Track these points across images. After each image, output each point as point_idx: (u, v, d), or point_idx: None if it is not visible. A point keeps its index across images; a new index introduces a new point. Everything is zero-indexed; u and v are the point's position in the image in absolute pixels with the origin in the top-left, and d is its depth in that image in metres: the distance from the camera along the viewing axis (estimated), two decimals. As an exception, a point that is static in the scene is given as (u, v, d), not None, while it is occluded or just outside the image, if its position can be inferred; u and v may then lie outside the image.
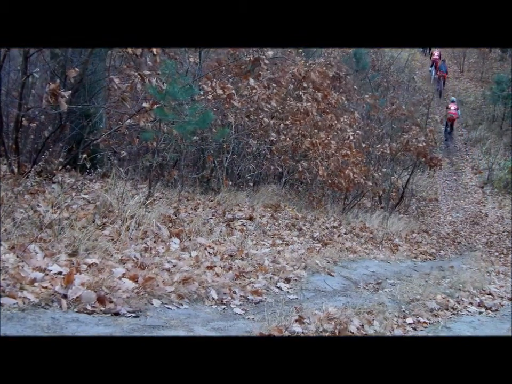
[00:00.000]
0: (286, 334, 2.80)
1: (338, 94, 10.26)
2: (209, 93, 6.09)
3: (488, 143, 20.11)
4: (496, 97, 21.03)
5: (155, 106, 5.22)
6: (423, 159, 11.99)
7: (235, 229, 5.84)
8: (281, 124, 8.90)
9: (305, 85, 9.14)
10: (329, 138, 8.97)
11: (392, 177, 12.06)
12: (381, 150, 11.24)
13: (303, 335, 2.85)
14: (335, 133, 9.28)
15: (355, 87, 12.30)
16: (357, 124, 9.80)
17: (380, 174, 11.11)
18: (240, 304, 3.60)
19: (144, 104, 5.32)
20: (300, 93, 8.93)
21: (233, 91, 6.25)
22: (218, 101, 6.52)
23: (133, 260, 3.73)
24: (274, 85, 8.66)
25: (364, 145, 10.40)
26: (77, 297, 2.81)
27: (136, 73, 5.35)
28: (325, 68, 9.69)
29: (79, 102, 5.95)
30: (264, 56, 8.09)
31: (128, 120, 5.78)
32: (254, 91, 7.44)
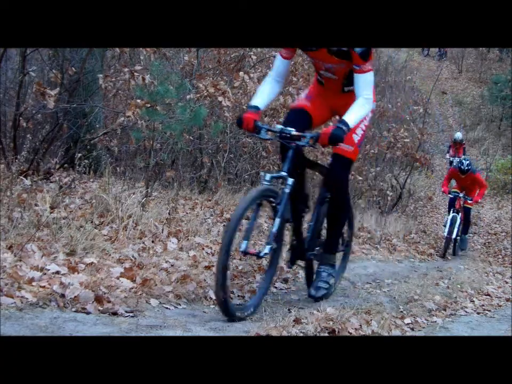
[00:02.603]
0: (284, 334, 2.79)
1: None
2: (203, 91, 6.06)
3: (486, 143, 20.17)
4: (494, 97, 21.11)
5: (147, 105, 5.20)
6: (412, 158, 12.14)
7: (233, 228, 5.82)
8: (275, 122, 8.87)
9: (294, 79, 9.10)
10: None
11: (387, 176, 12.09)
12: (371, 150, 11.26)
13: (301, 335, 2.84)
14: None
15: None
16: None
17: (373, 173, 11.11)
18: (238, 305, 3.60)
19: (138, 100, 5.29)
20: (290, 89, 8.88)
21: (228, 89, 6.22)
22: (212, 99, 6.49)
23: (131, 260, 3.73)
24: None
25: None
26: (75, 296, 2.81)
27: (126, 70, 5.31)
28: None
29: (76, 101, 5.94)
30: (251, 53, 8.07)
31: (122, 119, 5.75)
32: (245, 85, 7.39)
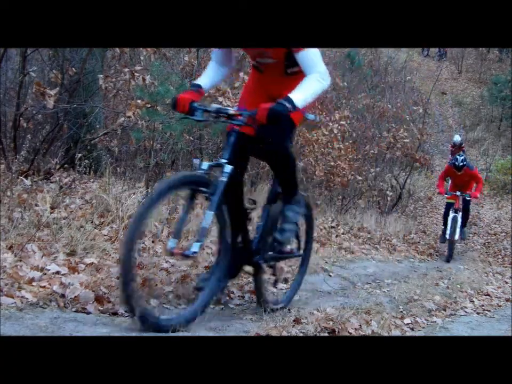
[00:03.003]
0: (284, 334, 2.79)
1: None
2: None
3: (486, 144, 20.18)
4: (494, 98, 21.13)
5: (147, 105, 5.21)
6: (411, 158, 12.20)
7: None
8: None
9: None
10: (319, 134, 8.95)
11: (386, 176, 12.11)
12: (370, 150, 11.26)
13: (301, 335, 2.84)
14: (323, 129, 9.19)
15: (345, 84, 12.06)
16: (347, 121, 9.69)
17: (373, 173, 11.12)
18: (238, 304, 3.60)
19: (138, 101, 5.30)
20: None
21: (228, 89, 6.23)
22: (212, 99, 6.50)
23: (131, 260, 3.72)
24: None
25: (350, 141, 10.31)
26: (75, 296, 2.81)
27: (126, 70, 5.32)
28: None
29: (76, 102, 5.95)
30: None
31: (122, 119, 5.76)
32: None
